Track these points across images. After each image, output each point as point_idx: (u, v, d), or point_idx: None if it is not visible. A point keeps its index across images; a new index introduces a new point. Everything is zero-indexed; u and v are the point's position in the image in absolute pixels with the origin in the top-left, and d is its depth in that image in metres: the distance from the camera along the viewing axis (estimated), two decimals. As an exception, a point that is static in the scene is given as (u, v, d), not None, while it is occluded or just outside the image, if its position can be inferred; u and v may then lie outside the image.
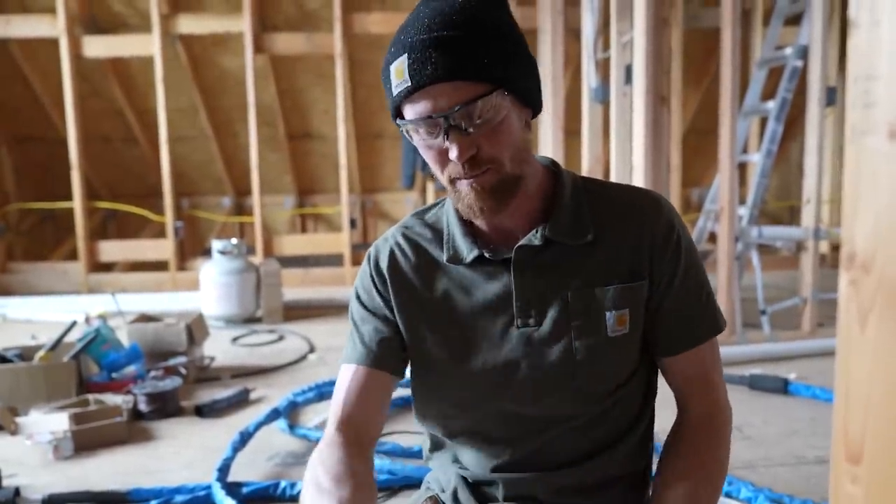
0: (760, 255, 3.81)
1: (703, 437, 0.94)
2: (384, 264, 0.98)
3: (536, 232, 0.92)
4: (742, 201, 3.85)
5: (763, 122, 4.33)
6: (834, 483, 0.59)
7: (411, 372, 1.00)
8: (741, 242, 3.65)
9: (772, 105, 3.83)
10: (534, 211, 0.94)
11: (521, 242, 0.92)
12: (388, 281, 0.97)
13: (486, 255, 0.93)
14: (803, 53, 3.70)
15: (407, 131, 0.86)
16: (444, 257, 0.96)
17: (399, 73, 0.82)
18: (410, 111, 0.84)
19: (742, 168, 4.73)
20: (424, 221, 1.00)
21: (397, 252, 0.98)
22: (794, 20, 4.03)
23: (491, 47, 0.82)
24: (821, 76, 3.54)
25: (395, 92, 0.84)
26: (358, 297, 1.00)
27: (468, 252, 0.94)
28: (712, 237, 4.01)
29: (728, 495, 2.03)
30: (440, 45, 0.80)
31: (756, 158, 3.94)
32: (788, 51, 3.81)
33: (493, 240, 0.94)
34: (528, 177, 0.90)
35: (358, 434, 0.94)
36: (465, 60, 0.81)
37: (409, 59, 0.81)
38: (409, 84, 0.81)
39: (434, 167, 0.88)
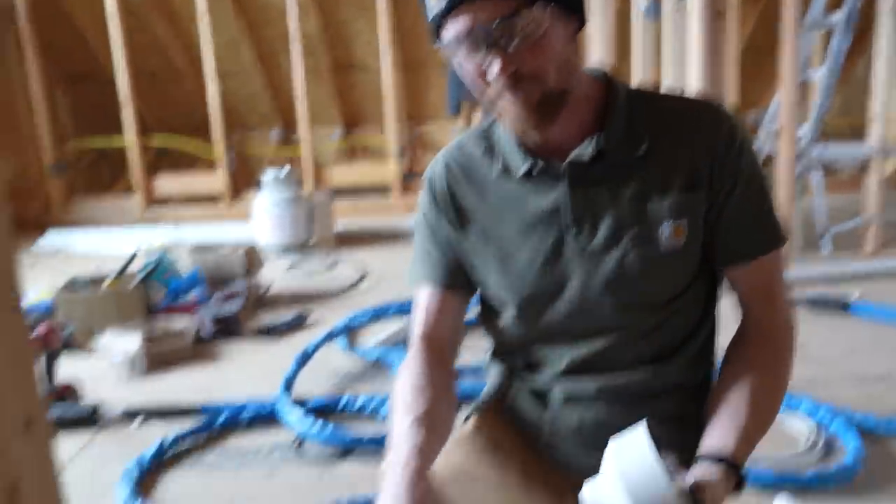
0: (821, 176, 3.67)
1: (763, 349, 0.93)
2: (438, 185, 1.00)
3: (589, 143, 0.90)
4: (802, 121, 3.69)
5: (827, 36, 4.11)
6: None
7: (479, 284, 1.02)
8: (801, 164, 3.53)
9: (837, 17, 3.62)
10: (585, 122, 0.92)
11: (573, 154, 0.91)
12: (445, 200, 0.99)
13: (538, 168, 0.93)
14: (875, -42, 3.47)
15: (448, 54, 0.86)
16: (494, 172, 0.96)
17: None
18: (450, 31, 0.83)
19: (803, 88, 4.52)
20: (478, 137, 1.00)
21: (451, 170, 1.00)
22: (866, -77, 3.75)
23: None
24: (894, -18, 3.32)
25: (432, 12, 0.83)
26: (423, 218, 1.02)
27: (520, 166, 0.94)
28: (769, 160, 3.88)
29: (789, 408, 2.03)
30: None
31: (819, 76, 3.75)
32: (859, -44, 3.57)
33: (545, 153, 0.93)
34: (576, 90, 0.89)
35: (440, 348, 0.99)
36: None
37: None
38: (446, 1, 0.81)
39: (477, 88, 0.87)
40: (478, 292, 1.03)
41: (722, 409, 0.89)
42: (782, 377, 0.94)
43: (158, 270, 3.18)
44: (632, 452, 0.76)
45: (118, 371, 2.55)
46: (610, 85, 0.94)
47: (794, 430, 1.99)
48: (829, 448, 1.88)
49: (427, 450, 0.85)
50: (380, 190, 5.54)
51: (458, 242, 0.99)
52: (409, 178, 5.60)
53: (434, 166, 1.02)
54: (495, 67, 0.82)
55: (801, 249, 3.47)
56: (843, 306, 2.77)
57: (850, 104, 6.17)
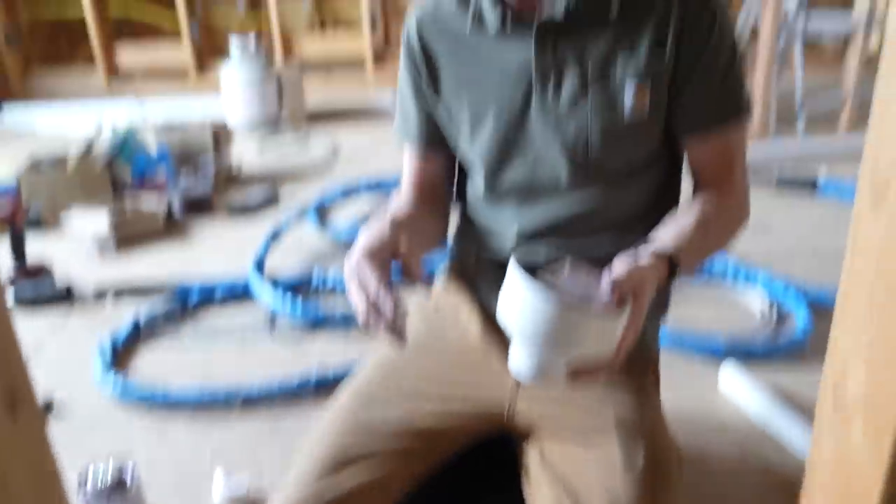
0: (804, 51, 3.58)
1: (715, 200, 0.95)
2: (414, 40, 0.99)
3: (560, 2, 0.89)
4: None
5: None
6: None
7: (450, 142, 1.04)
8: (783, 36, 3.42)
9: None
10: None
11: (544, 13, 0.90)
12: (420, 56, 0.99)
13: (510, 20, 0.92)
14: None
15: None
16: (467, 26, 0.95)
17: None
18: None
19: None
20: None
21: (424, 26, 0.99)
22: None
23: None
24: None
25: None
26: (401, 74, 1.04)
27: (493, 21, 0.93)
28: (754, 34, 3.76)
29: (746, 281, 2.09)
30: None
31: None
32: None
33: (519, 10, 0.92)
34: None
35: (430, 192, 1.07)
36: None
37: None
38: None
39: None
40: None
41: (667, 223, 0.92)
42: (731, 218, 0.96)
43: (125, 148, 3.10)
44: (511, 280, 0.76)
45: (88, 250, 2.54)
46: None
47: (749, 303, 2.06)
48: (782, 320, 1.96)
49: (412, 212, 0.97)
50: (353, 63, 5.34)
51: (434, 101, 1.01)
52: (382, 50, 5.39)
53: (410, 22, 1.01)
54: None
55: (775, 125, 3.44)
56: (810, 185, 2.79)
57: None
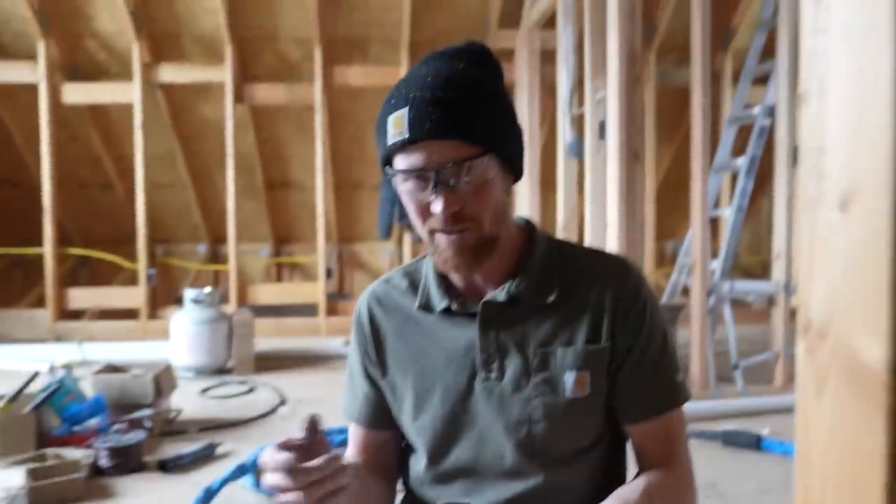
0: (733, 309, 3.84)
1: (662, 480, 0.94)
2: (364, 320, 1.03)
3: (503, 289, 0.94)
4: (714, 255, 3.90)
5: (734, 177, 4.43)
6: (796, 555, 0.58)
7: (397, 419, 1.03)
8: (713, 296, 3.69)
9: (742, 161, 3.93)
10: (505, 268, 0.96)
11: (486, 298, 0.95)
12: (369, 333, 1.02)
13: (455, 307, 0.96)
14: (770, 113, 3.82)
15: (394, 180, 0.90)
16: (415, 307, 0.99)
17: (398, 125, 0.85)
18: (403, 161, 0.87)
19: (715, 223, 4.81)
20: (404, 272, 1.05)
21: (374, 304, 1.03)
22: (763, 80, 4.16)
23: (487, 114, 0.87)
24: (788, 135, 3.65)
25: (390, 141, 0.86)
26: (354, 351, 1.05)
27: (438, 302, 0.97)
28: (685, 291, 4.04)
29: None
30: (441, 104, 0.84)
31: (727, 213, 4.01)
32: (757, 110, 3.93)
33: (464, 293, 0.97)
34: (504, 237, 0.93)
35: (376, 469, 1.04)
36: (463, 122, 0.85)
37: (409, 112, 0.84)
38: (407, 136, 0.85)
39: (416, 218, 0.90)
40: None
41: (611, 497, 0.89)
42: (677, 494, 0.94)
43: (58, 393, 2.98)
44: None
45: (-4, 510, 2.31)
46: (532, 233, 1.00)
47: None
48: None
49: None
50: (307, 310, 5.47)
51: (380, 378, 1.02)
52: (337, 298, 5.56)
53: (361, 300, 1.05)
54: (439, 205, 0.85)
55: (715, 382, 3.55)
56: (755, 443, 2.82)
57: (760, 242, 6.58)
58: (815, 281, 0.55)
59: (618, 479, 1.01)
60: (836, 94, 0.52)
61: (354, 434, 1.06)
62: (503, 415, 0.93)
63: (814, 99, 0.55)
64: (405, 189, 0.88)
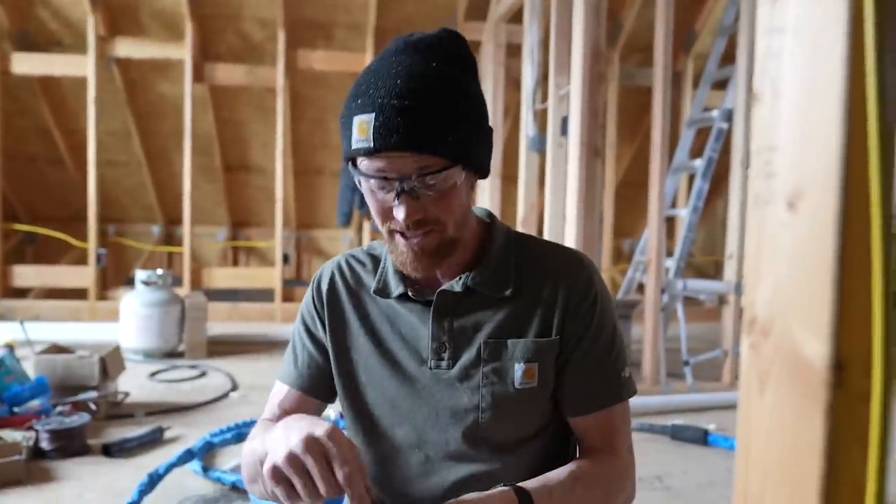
0: (685, 306, 3.92)
1: (590, 467, 0.94)
2: (324, 287, 1.02)
3: (459, 279, 0.95)
4: (670, 254, 3.97)
5: (691, 178, 4.52)
6: (734, 546, 0.59)
7: (339, 392, 1.02)
8: (667, 294, 3.75)
9: (699, 163, 4.00)
10: (463, 260, 0.96)
11: (442, 287, 0.95)
12: (325, 303, 1.01)
13: (411, 293, 0.96)
14: (728, 116, 3.90)
15: (356, 176, 0.88)
16: (373, 287, 0.99)
17: (362, 131, 0.82)
18: (366, 165, 0.85)
19: (671, 222, 4.90)
20: (368, 252, 1.04)
21: (337, 276, 1.03)
22: (722, 84, 4.25)
23: (457, 125, 0.84)
24: (744, 138, 3.73)
25: (354, 146, 0.84)
26: (302, 318, 1.04)
27: (395, 288, 0.97)
28: (641, 288, 4.11)
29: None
30: (409, 115, 0.81)
31: (683, 213, 4.08)
32: (715, 113, 4.00)
33: (421, 281, 0.97)
34: (464, 239, 0.93)
35: None
36: (430, 136, 0.82)
37: (375, 120, 0.81)
38: (371, 146, 0.82)
39: (376, 216, 0.89)
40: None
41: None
42: (609, 482, 0.94)
43: (-1, 373, 2.88)
44: None
45: (-72, 493, 2.23)
46: (492, 226, 0.99)
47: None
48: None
49: None
50: (263, 295, 5.40)
51: (329, 347, 1.00)
52: (293, 285, 5.49)
53: (325, 268, 1.04)
54: (401, 213, 0.84)
55: (665, 378, 3.62)
56: (702, 437, 2.88)
57: (714, 242, 6.72)
58: (761, 278, 0.56)
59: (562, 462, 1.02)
60: (789, 93, 0.53)
61: (282, 397, 1.02)
62: (451, 401, 0.94)
63: (766, 98, 0.56)
64: (367, 188, 0.87)
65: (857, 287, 0.50)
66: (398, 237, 0.88)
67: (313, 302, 1.03)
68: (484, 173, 0.92)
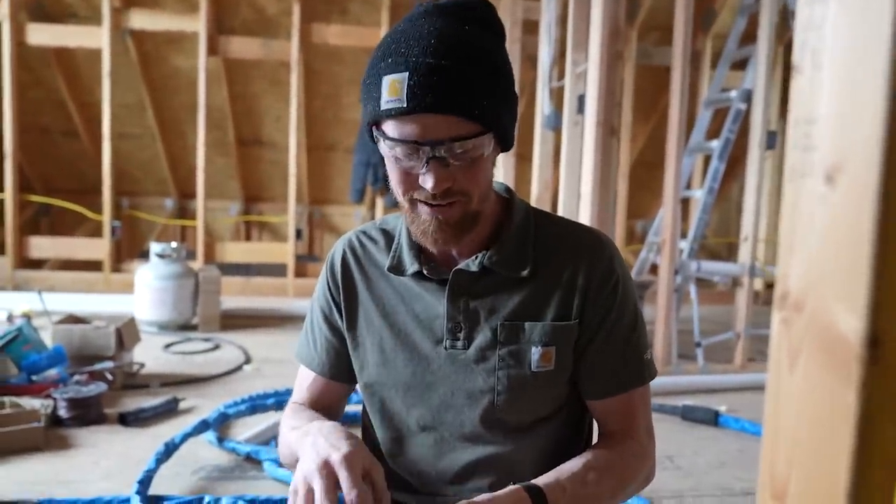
0: (698, 288, 3.91)
1: (616, 451, 0.94)
2: (338, 267, 1.00)
3: (476, 258, 0.92)
4: (683, 235, 3.94)
5: (707, 159, 4.47)
6: (758, 521, 0.59)
7: (356, 371, 1.02)
8: (680, 275, 3.74)
9: (716, 144, 3.96)
10: (480, 238, 0.93)
11: (458, 266, 0.93)
12: (340, 283, 0.99)
13: (426, 272, 0.94)
14: (747, 97, 3.84)
15: (380, 142, 0.84)
16: (387, 265, 0.97)
17: (394, 90, 0.78)
18: (394, 129, 0.80)
19: (685, 203, 4.86)
20: (380, 228, 1.02)
21: (349, 254, 1.01)
22: (741, 65, 4.19)
23: (492, 90, 0.81)
24: (762, 120, 3.68)
25: (384, 106, 0.79)
26: (318, 300, 1.03)
27: (409, 265, 0.95)
28: (654, 269, 4.09)
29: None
30: (445, 75, 0.77)
31: (699, 195, 4.05)
32: (733, 93, 3.95)
33: (436, 258, 0.95)
34: (485, 213, 0.90)
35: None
36: (468, 98, 0.79)
37: (410, 79, 0.77)
38: (405, 105, 0.78)
39: (397, 185, 0.86)
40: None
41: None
42: (629, 467, 0.94)
43: (17, 342, 2.92)
44: None
45: (-51, 457, 2.27)
46: (510, 203, 0.97)
47: (662, 546, 2.00)
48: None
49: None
50: (276, 270, 5.42)
51: (344, 329, 0.99)
52: (306, 260, 5.51)
53: (337, 247, 1.03)
54: (430, 181, 0.81)
55: (677, 359, 3.62)
56: (713, 418, 2.89)
57: (728, 225, 6.67)
58: (795, 252, 0.55)
59: (577, 450, 1.01)
60: (830, 64, 0.52)
61: (308, 381, 1.04)
62: (466, 383, 0.92)
63: (806, 70, 0.55)
64: (392, 154, 0.83)
65: (895, 262, 0.49)
66: (421, 206, 0.85)
67: (328, 285, 1.01)
68: (509, 145, 0.89)
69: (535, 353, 0.91)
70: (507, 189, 0.99)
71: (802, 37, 0.55)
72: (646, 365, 0.96)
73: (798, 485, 0.55)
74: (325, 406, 1.03)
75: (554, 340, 0.91)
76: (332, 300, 1.00)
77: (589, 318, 0.92)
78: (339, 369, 1.01)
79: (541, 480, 0.85)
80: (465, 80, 0.78)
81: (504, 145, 0.89)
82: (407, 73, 0.78)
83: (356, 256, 1.00)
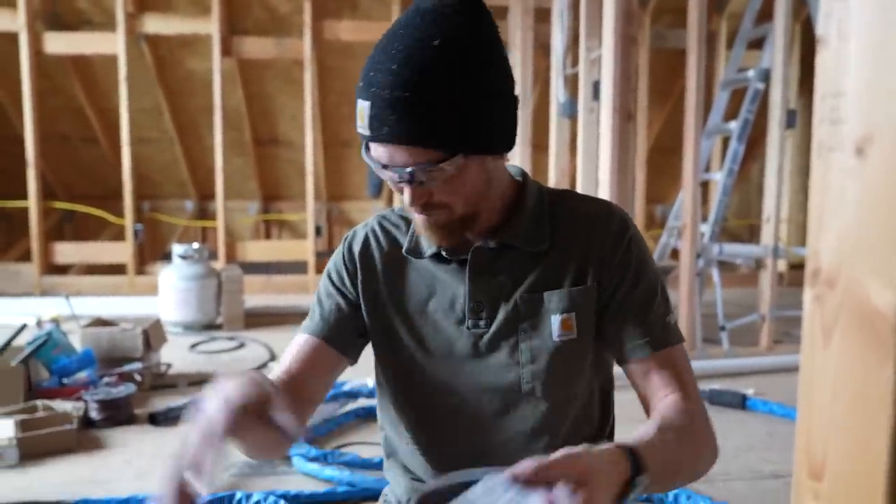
0: (721, 271, 3.87)
1: (674, 412, 0.88)
2: (357, 248, 1.01)
3: (492, 238, 0.94)
4: (704, 219, 3.91)
5: (726, 141, 4.42)
6: (795, 499, 0.59)
7: (374, 357, 1.02)
8: (702, 259, 3.71)
9: (734, 125, 3.91)
10: (494, 221, 0.95)
11: (477, 245, 0.94)
12: (358, 264, 1.00)
13: (444, 253, 0.95)
14: (765, 76, 3.79)
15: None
16: (406, 248, 0.98)
17: (361, 116, 0.83)
18: (371, 149, 0.85)
19: (704, 186, 4.81)
20: (400, 214, 1.03)
21: (371, 238, 1.02)
22: (757, 44, 4.12)
23: (453, 114, 0.80)
24: (781, 99, 3.63)
25: (357, 129, 0.85)
26: (328, 275, 1.02)
27: (427, 247, 0.96)
28: (675, 254, 4.06)
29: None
30: (399, 107, 0.79)
31: (718, 177, 4.01)
32: (751, 73, 3.90)
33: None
34: (490, 201, 0.92)
35: (296, 393, 0.91)
36: (423, 129, 0.80)
37: (371, 109, 0.81)
38: (368, 134, 0.82)
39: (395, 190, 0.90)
40: (375, 367, 1.03)
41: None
42: (695, 423, 0.88)
43: (46, 346, 2.97)
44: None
45: (-13, 461, 2.31)
46: (524, 184, 0.98)
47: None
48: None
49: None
50: (296, 267, 5.45)
51: (357, 307, 1.00)
52: (326, 256, 5.53)
53: (359, 229, 1.04)
54: (407, 198, 0.85)
55: (702, 343, 3.59)
56: (740, 402, 2.86)
57: (748, 206, 6.60)
58: (825, 228, 0.55)
59: (608, 422, 1.03)
60: (857, 36, 0.51)
61: (297, 348, 0.97)
62: (491, 360, 0.94)
63: (832, 42, 0.54)
64: (377, 167, 0.86)
65: (930, 234, 0.48)
66: (412, 212, 0.89)
67: (343, 261, 1.01)
68: (497, 150, 0.88)
69: (556, 321, 0.92)
70: (522, 172, 1.00)
71: (828, 7, 0.54)
72: (671, 329, 0.94)
73: (836, 464, 0.55)
74: (306, 372, 0.95)
75: (573, 306, 0.92)
76: (347, 274, 1.00)
77: (607, 280, 0.93)
78: (338, 334, 0.97)
79: (629, 441, 0.77)
80: (423, 110, 0.79)
81: (490, 151, 0.87)
82: (368, 103, 0.81)
83: (378, 241, 1.01)
